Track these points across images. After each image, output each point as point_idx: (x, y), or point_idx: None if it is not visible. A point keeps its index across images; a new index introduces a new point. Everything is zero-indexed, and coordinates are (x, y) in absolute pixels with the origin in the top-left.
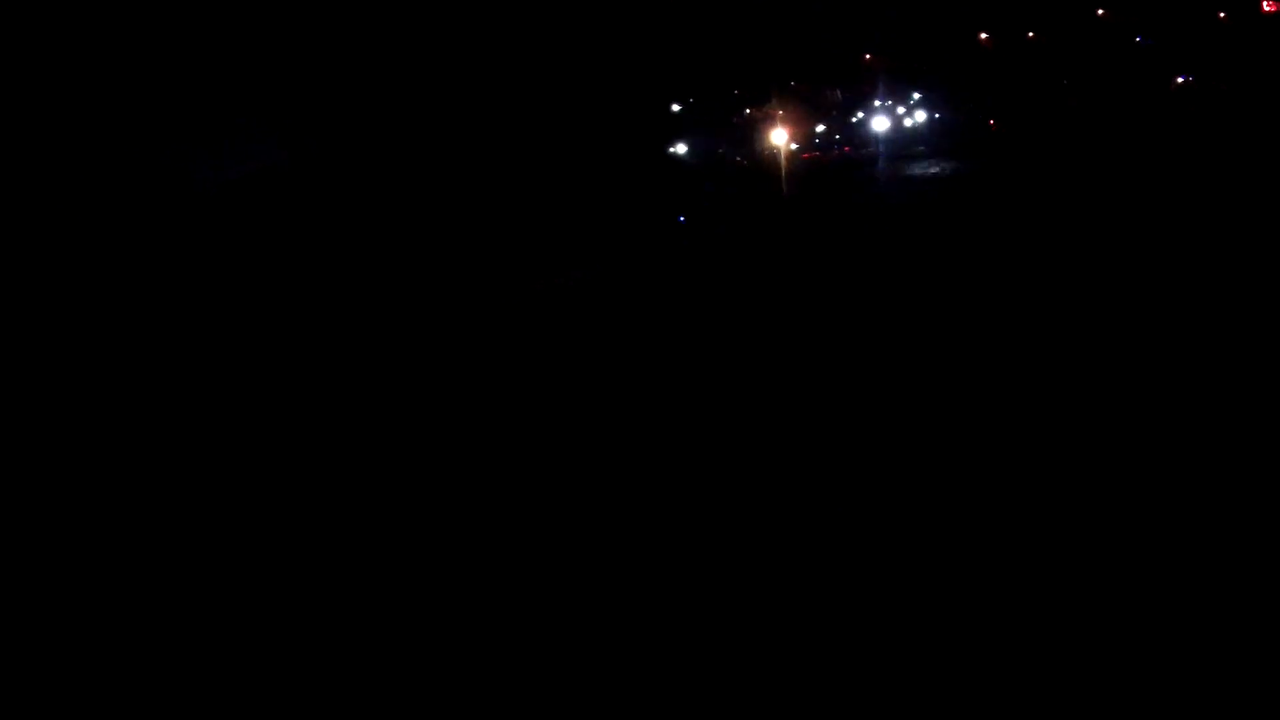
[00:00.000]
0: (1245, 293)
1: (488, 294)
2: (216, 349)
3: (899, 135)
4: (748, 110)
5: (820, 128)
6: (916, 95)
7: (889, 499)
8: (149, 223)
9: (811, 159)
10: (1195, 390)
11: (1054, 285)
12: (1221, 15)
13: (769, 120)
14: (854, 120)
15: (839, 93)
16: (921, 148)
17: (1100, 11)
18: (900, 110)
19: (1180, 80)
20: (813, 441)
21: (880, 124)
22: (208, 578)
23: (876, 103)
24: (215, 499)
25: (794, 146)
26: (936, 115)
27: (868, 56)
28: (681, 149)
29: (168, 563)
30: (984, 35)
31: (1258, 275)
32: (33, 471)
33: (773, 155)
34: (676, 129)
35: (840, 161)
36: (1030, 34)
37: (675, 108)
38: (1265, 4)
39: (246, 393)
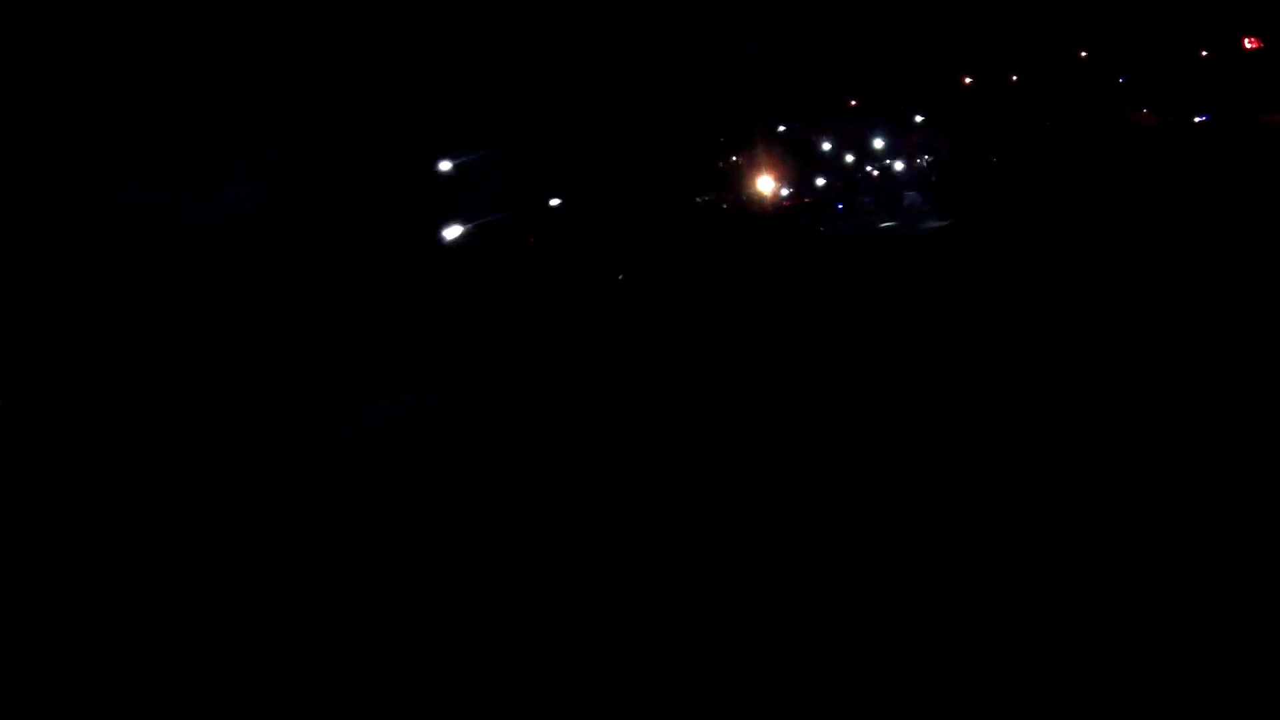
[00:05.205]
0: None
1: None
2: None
3: (891, 178)
4: (733, 156)
5: (806, 173)
6: (905, 136)
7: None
8: (139, 261)
9: (797, 204)
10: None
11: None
12: (1203, 53)
13: (754, 166)
14: (840, 165)
15: (824, 137)
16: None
17: (1082, 53)
18: (889, 154)
19: (1157, 116)
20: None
21: (869, 167)
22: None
23: (865, 146)
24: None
25: (781, 192)
26: (927, 158)
27: (853, 102)
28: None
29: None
30: (967, 79)
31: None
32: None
33: (759, 201)
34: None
35: (826, 207)
36: (1013, 76)
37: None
38: (1247, 41)
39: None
